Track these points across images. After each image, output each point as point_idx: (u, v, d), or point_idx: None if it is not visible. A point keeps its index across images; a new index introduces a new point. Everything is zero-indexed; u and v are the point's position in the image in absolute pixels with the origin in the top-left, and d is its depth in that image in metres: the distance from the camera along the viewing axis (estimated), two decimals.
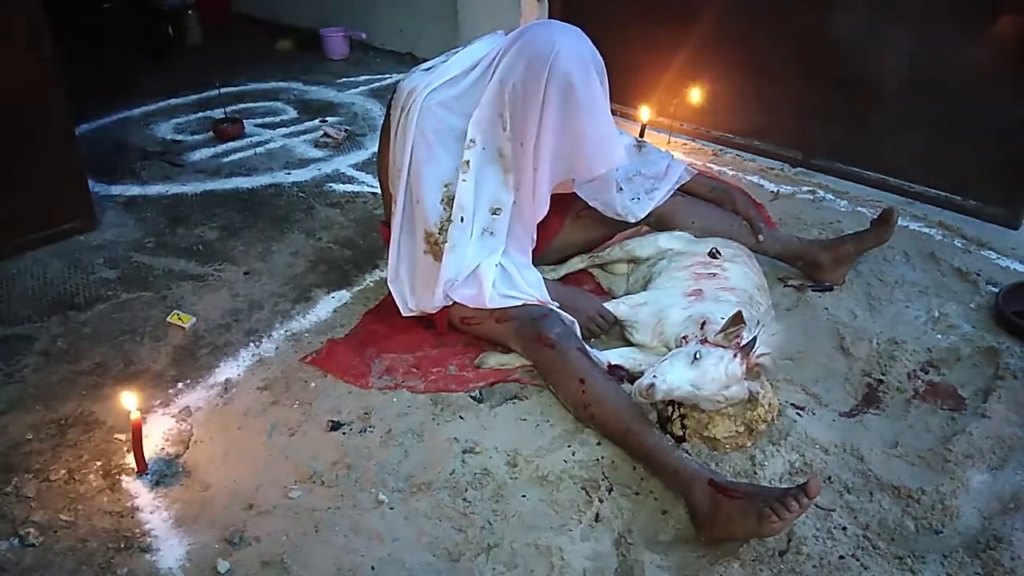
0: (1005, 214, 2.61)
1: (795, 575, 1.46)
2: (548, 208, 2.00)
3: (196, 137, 3.35)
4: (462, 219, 1.92)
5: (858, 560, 1.50)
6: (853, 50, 2.81)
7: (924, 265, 2.42)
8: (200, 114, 3.58)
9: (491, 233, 1.98)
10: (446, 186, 1.91)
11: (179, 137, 3.36)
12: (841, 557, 1.50)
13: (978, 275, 2.35)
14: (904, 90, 2.74)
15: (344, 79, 4.11)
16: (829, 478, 1.67)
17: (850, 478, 1.68)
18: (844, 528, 1.56)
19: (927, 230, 2.62)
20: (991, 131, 2.59)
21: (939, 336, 2.10)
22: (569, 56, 1.78)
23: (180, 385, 1.94)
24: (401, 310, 2.04)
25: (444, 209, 1.92)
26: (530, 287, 1.99)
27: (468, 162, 1.90)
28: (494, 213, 1.97)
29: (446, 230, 1.92)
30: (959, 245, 2.54)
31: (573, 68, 1.78)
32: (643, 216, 2.21)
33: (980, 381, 1.95)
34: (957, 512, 1.59)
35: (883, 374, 1.98)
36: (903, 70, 2.72)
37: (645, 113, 2.88)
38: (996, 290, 2.24)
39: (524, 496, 1.63)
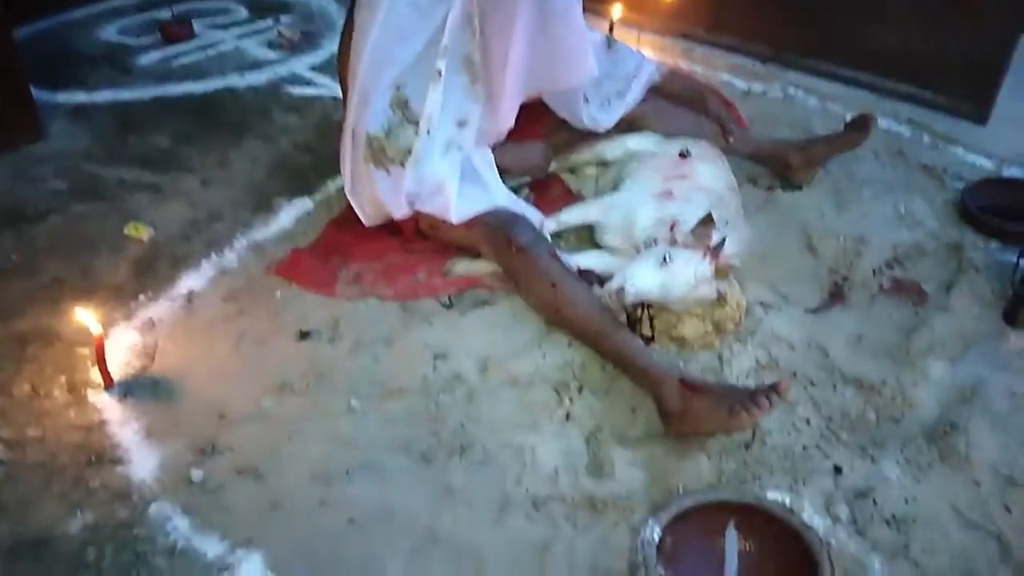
0: (974, 108, 2.60)
1: (760, 466, 1.51)
2: (513, 121, 1.94)
3: (143, 40, 3.18)
4: (428, 132, 1.85)
5: (820, 450, 1.55)
6: None
7: (892, 162, 2.42)
8: (145, 15, 3.38)
9: (458, 147, 1.92)
10: (398, 88, 1.84)
11: (125, 40, 3.18)
12: (804, 448, 1.55)
13: (945, 171, 2.36)
14: None
15: None
16: (794, 373, 1.70)
17: (815, 372, 1.71)
18: (808, 420, 1.60)
19: (896, 127, 2.60)
20: (962, 25, 2.55)
21: (905, 232, 2.12)
22: None
23: (142, 298, 1.90)
24: (363, 220, 2.00)
25: (393, 112, 1.85)
26: (499, 186, 1.95)
27: (440, 72, 1.81)
28: (460, 126, 1.91)
29: (394, 135, 1.85)
30: (927, 141, 2.53)
31: None
32: (611, 125, 2.17)
33: (943, 275, 1.98)
34: (917, 402, 1.64)
35: (849, 271, 2.00)
36: None
37: (616, 11, 2.78)
38: (962, 186, 2.25)
39: (496, 398, 1.64)
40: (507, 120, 1.93)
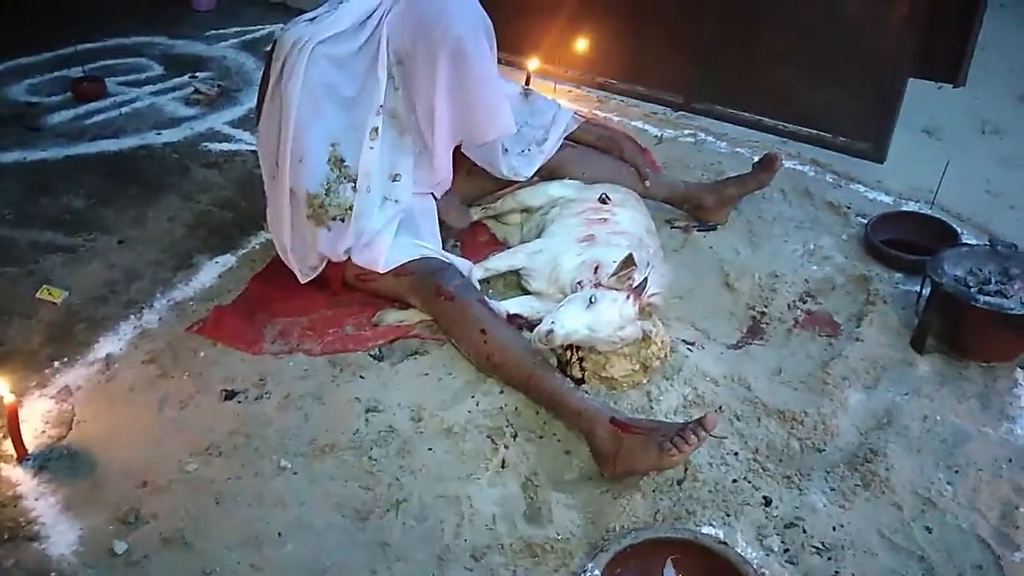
0: (872, 149, 2.75)
1: (693, 501, 1.54)
2: (451, 171, 1.98)
3: (53, 98, 3.11)
4: (368, 188, 1.86)
5: (750, 482, 1.59)
6: None
7: (799, 201, 2.54)
8: (56, 73, 3.31)
9: (395, 200, 1.94)
10: (333, 145, 1.84)
11: (34, 99, 3.10)
12: (734, 481, 1.58)
13: (848, 208, 2.49)
14: (776, 33, 2.82)
15: (213, 31, 3.88)
16: (720, 407, 1.75)
17: (739, 406, 1.76)
18: (736, 453, 1.65)
19: (801, 167, 2.74)
20: (856, 71, 2.71)
21: (815, 267, 2.22)
22: (461, 19, 1.74)
23: (57, 364, 1.83)
24: (300, 279, 1.98)
25: (332, 170, 1.85)
26: (432, 235, 1.99)
27: (376, 129, 1.83)
28: (394, 179, 1.92)
29: (333, 192, 1.85)
30: (830, 180, 2.67)
31: (464, 32, 1.74)
32: (531, 174, 2.22)
33: (853, 307, 2.07)
34: (837, 430, 1.71)
35: (765, 306, 2.08)
36: (775, 13, 2.80)
37: (532, 63, 2.87)
38: (865, 221, 2.37)
39: (430, 449, 1.63)
40: (443, 170, 1.96)
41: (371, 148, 1.84)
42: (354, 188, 1.84)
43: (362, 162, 1.84)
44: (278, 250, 1.99)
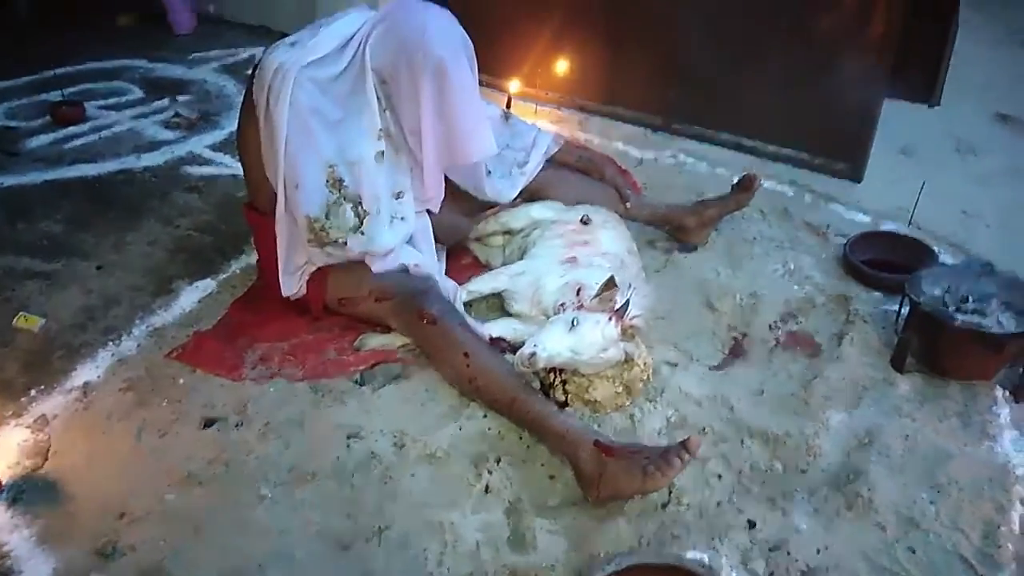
0: (849, 168, 2.79)
1: (677, 525, 1.53)
2: (443, 189, 1.99)
3: (31, 123, 3.08)
4: (378, 211, 1.85)
5: (734, 504, 1.58)
6: (704, 15, 2.90)
7: (779, 221, 2.56)
8: (34, 97, 3.29)
9: (401, 218, 1.93)
10: (331, 167, 1.83)
11: (12, 123, 3.08)
12: (718, 503, 1.58)
13: (827, 228, 2.51)
14: (754, 55, 2.85)
15: (194, 55, 3.88)
16: (703, 429, 1.75)
17: (722, 427, 1.76)
18: (719, 476, 1.64)
19: (780, 187, 2.76)
20: (833, 91, 2.74)
21: (795, 287, 2.23)
22: (442, 41, 1.75)
23: (33, 392, 1.80)
24: (283, 289, 1.96)
25: (331, 192, 1.83)
26: (430, 253, 2.02)
27: (382, 153, 1.83)
28: (397, 198, 1.92)
29: (333, 214, 1.83)
30: (809, 200, 2.69)
31: (445, 54, 1.75)
32: (514, 196, 2.23)
33: (834, 327, 2.09)
34: (820, 451, 1.71)
35: (747, 327, 2.08)
36: (752, 35, 2.84)
37: (514, 85, 2.88)
38: (844, 241, 2.39)
39: (413, 476, 1.62)
40: (434, 187, 1.97)
41: (377, 171, 1.84)
42: (355, 210, 1.83)
43: (370, 186, 1.83)
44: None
